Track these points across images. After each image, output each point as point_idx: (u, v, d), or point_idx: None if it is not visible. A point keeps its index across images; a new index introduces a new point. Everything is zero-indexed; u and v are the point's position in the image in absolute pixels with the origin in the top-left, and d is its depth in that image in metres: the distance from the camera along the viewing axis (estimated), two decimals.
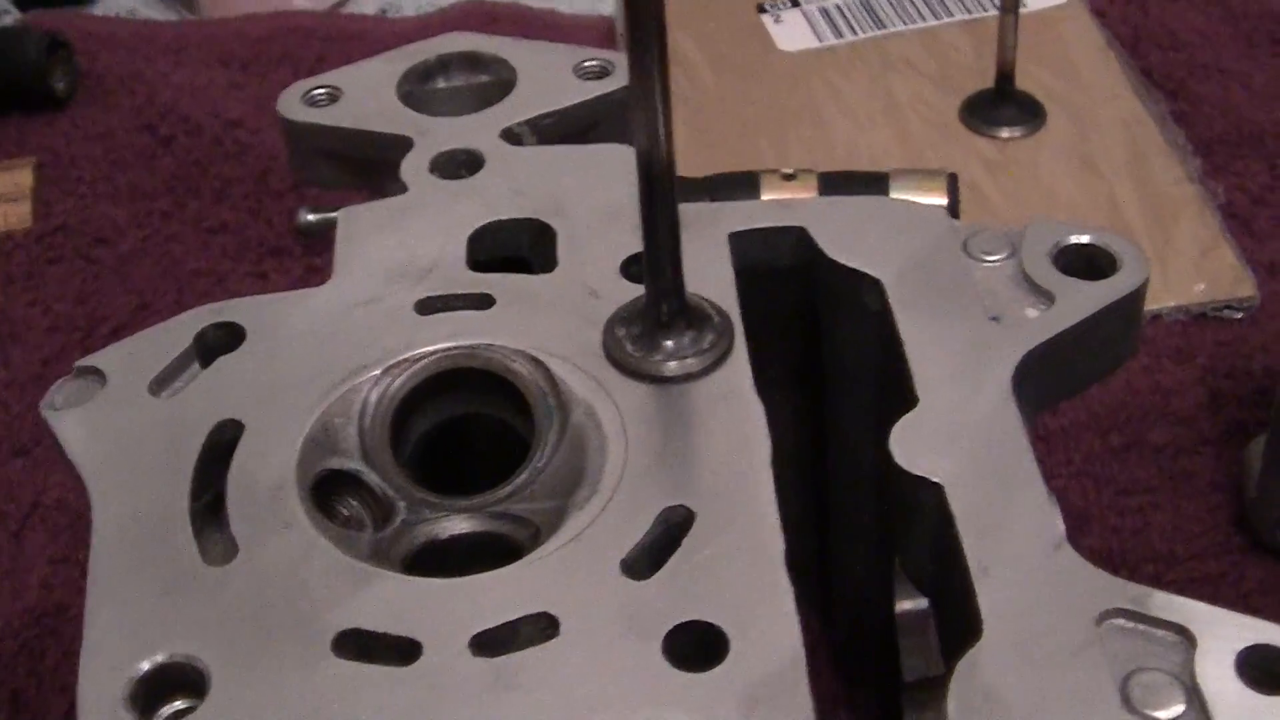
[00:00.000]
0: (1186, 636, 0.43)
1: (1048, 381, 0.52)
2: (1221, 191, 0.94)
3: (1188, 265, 0.89)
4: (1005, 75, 0.99)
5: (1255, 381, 0.83)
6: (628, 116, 0.46)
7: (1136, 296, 0.53)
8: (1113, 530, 0.76)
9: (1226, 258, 0.89)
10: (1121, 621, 0.43)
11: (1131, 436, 0.80)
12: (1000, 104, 1.00)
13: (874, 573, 0.64)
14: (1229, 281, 0.88)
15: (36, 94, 1.07)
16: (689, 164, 0.55)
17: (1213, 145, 0.98)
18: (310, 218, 0.70)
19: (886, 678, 0.68)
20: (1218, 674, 0.42)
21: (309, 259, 0.94)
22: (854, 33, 1.09)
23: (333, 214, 0.57)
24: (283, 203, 0.98)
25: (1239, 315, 0.87)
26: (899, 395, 0.51)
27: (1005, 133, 1.00)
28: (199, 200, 0.99)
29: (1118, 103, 1.01)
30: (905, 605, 0.66)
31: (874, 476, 0.60)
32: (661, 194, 0.47)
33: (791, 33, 1.10)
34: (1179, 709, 0.41)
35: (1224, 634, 0.43)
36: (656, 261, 0.48)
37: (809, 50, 1.08)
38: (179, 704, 0.43)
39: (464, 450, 0.54)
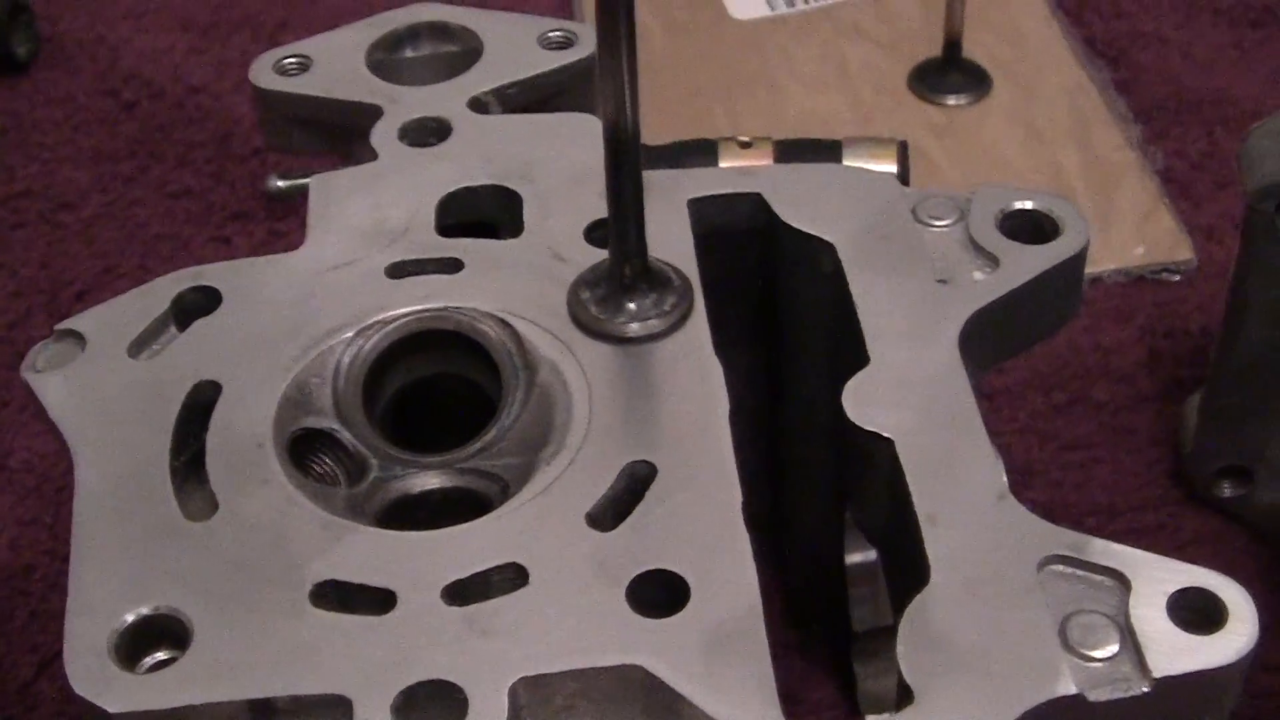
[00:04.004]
0: (1121, 581, 0.45)
1: (993, 341, 0.54)
2: (1161, 157, 0.97)
3: (1128, 229, 0.91)
4: (953, 43, 1.01)
5: (1192, 340, 0.86)
6: (596, 86, 0.47)
7: (1078, 259, 0.56)
8: (1055, 484, 0.78)
9: (1165, 222, 0.92)
10: (1061, 567, 0.46)
11: (1074, 394, 0.83)
12: (948, 71, 1.02)
13: (826, 525, 0.67)
14: (1168, 245, 0.91)
15: None
16: (642, 129, 0.57)
17: (1153, 112, 1.01)
18: (280, 184, 0.71)
19: (837, 626, 0.70)
20: (1150, 615, 0.44)
21: (271, 223, 0.96)
22: (806, 0, 1.11)
23: (302, 180, 0.59)
24: (245, 167, 0.99)
25: (1176, 277, 0.90)
26: (852, 353, 0.53)
27: (952, 100, 1.02)
28: (162, 165, 1.00)
29: (1062, 71, 1.04)
30: (855, 558, 0.69)
31: (829, 431, 0.62)
32: (627, 161, 0.49)
33: (744, 0, 1.12)
34: (1113, 648, 0.44)
35: (1156, 578, 0.45)
36: (621, 226, 0.50)
37: (762, 18, 1.10)
38: (162, 654, 0.45)
39: (434, 409, 0.56)
